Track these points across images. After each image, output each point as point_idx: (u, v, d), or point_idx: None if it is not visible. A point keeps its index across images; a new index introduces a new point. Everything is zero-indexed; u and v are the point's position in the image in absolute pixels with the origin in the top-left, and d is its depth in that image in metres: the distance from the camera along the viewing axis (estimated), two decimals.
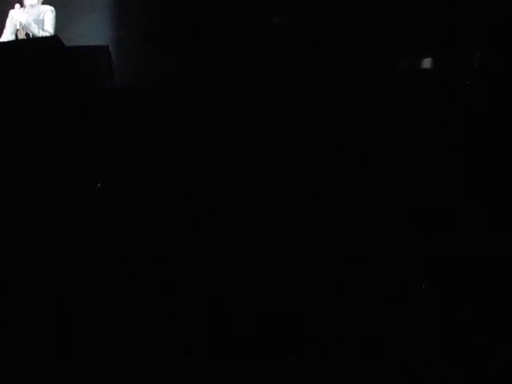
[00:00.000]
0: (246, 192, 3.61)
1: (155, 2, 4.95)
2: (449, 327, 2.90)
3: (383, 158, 3.65)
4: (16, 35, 5.01)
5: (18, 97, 3.57)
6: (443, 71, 4.22)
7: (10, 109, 3.54)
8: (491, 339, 2.82)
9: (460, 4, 4.15)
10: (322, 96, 3.96)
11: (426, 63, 4.33)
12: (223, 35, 4.50)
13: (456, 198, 3.41)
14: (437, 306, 3.01)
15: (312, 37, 4.33)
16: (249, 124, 3.92)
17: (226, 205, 3.54)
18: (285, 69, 4.22)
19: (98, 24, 5.16)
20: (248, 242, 3.37)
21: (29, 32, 4.97)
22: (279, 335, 2.90)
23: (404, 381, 2.70)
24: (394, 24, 4.27)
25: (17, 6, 5.06)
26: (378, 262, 3.21)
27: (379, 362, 2.76)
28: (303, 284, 3.16)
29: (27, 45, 4.48)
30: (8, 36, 5.02)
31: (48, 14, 5.03)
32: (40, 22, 5.01)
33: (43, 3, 5.10)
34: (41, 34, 4.98)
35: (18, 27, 5.00)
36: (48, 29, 5.00)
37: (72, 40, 4.42)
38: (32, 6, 5.03)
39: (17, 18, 5.01)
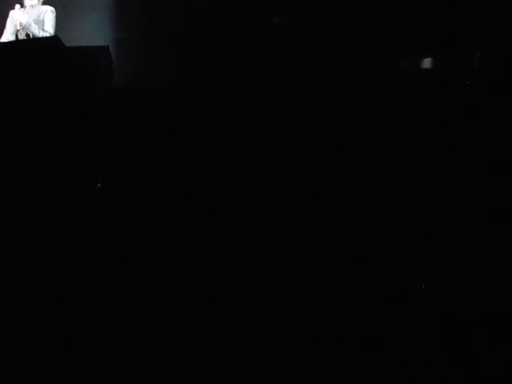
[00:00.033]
0: (246, 192, 3.61)
1: (155, 2, 4.95)
2: (449, 327, 2.89)
3: (383, 158, 3.65)
4: (16, 35, 5.01)
5: (19, 97, 3.57)
6: (443, 71, 4.22)
7: (10, 109, 3.54)
8: (491, 339, 2.81)
9: (460, 4, 4.16)
10: (322, 96, 3.96)
11: (426, 63, 4.34)
12: (223, 35, 4.51)
13: (456, 198, 3.41)
14: (437, 306, 3.01)
15: (312, 37, 4.33)
16: (249, 124, 3.92)
17: (226, 205, 3.54)
18: (285, 69, 4.22)
19: (98, 24, 5.17)
20: (248, 241, 3.37)
21: (29, 32, 4.98)
22: (279, 335, 2.90)
23: (404, 381, 2.70)
24: (394, 24, 4.28)
25: (17, 6, 5.07)
26: (377, 262, 3.21)
27: (379, 361, 2.75)
28: (303, 284, 3.16)
29: (27, 45, 4.49)
30: (8, 36, 5.03)
31: (48, 14, 5.04)
32: (40, 23, 5.02)
33: (43, 4, 5.10)
34: (41, 34, 4.99)
35: (19, 27, 5.01)
36: (48, 29, 5.01)
37: (72, 40, 4.42)
38: (32, 6, 5.04)
39: (17, 18, 5.02)
